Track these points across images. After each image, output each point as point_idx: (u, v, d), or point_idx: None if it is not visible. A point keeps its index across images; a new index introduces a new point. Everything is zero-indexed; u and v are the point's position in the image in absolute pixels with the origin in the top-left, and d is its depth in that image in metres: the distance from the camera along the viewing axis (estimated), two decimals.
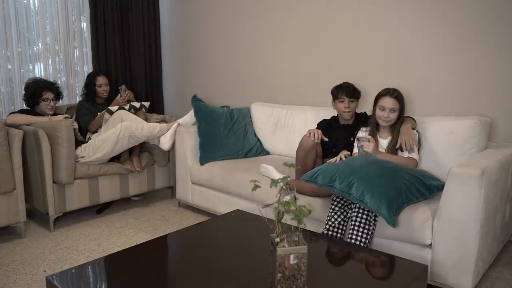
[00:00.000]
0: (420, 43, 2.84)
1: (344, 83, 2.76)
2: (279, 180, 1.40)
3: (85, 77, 3.64)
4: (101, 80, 3.53)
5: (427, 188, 2.23)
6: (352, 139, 2.67)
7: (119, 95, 3.54)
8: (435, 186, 2.27)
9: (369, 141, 2.41)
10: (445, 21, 2.73)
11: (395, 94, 2.46)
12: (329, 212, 2.29)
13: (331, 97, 2.78)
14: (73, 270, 1.61)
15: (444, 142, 2.47)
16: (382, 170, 2.18)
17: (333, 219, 2.26)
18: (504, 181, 2.23)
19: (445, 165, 2.40)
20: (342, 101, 2.71)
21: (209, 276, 1.57)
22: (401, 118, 2.50)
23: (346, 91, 2.70)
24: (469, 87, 2.69)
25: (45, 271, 2.39)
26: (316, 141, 2.55)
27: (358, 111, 2.84)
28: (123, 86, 3.56)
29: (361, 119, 2.76)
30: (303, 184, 2.43)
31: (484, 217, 1.97)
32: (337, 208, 2.27)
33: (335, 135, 2.74)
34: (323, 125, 2.84)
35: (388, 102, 2.45)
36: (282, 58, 3.61)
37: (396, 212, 2.05)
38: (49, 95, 3.23)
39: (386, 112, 2.45)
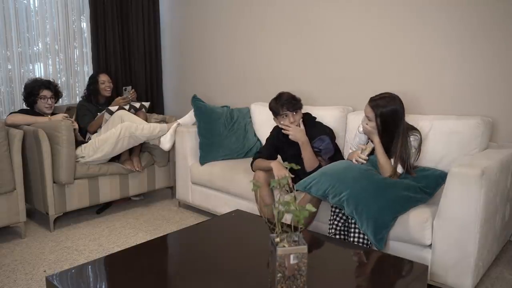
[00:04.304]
0: (422, 43, 2.84)
1: (280, 95, 2.57)
2: (279, 180, 1.40)
3: (86, 78, 3.63)
4: (103, 77, 3.52)
5: (426, 193, 2.23)
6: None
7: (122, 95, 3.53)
8: (432, 187, 2.27)
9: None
10: (447, 21, 2.73)
11: (373, 102, 2.27)
12: (331, 215, 2.29)
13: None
14: (73, 270, 1.61)
15: (447, 141, 2.45)
16: (374, 191, 2.10)
17: (336, 222, 2.26)
18: (505, 181, 2.23)
19: (447, 165, 2.39)
20: (286, 116, 2.52)
21: (209, 276, 1.57)
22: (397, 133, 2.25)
23: (287, 105, 2.49)
24: (471, 87, 2.68)
25: (45, 271, 2.39)
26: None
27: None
28: (129, 87, 3.55)
29: (310, 121, 2.64)
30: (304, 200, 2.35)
31: (484, 217, 1.97)
32: (337, 210, 2.27)
33: (293, 146, 2.54)
34: (276, 140, 2.66)
35: (366, 109, 2.30)
36: (282, 59, 3.61)
37: (383, 237, 2.07)
38: (46, 93, 3.23)
39: (365, 119, 2.31)
